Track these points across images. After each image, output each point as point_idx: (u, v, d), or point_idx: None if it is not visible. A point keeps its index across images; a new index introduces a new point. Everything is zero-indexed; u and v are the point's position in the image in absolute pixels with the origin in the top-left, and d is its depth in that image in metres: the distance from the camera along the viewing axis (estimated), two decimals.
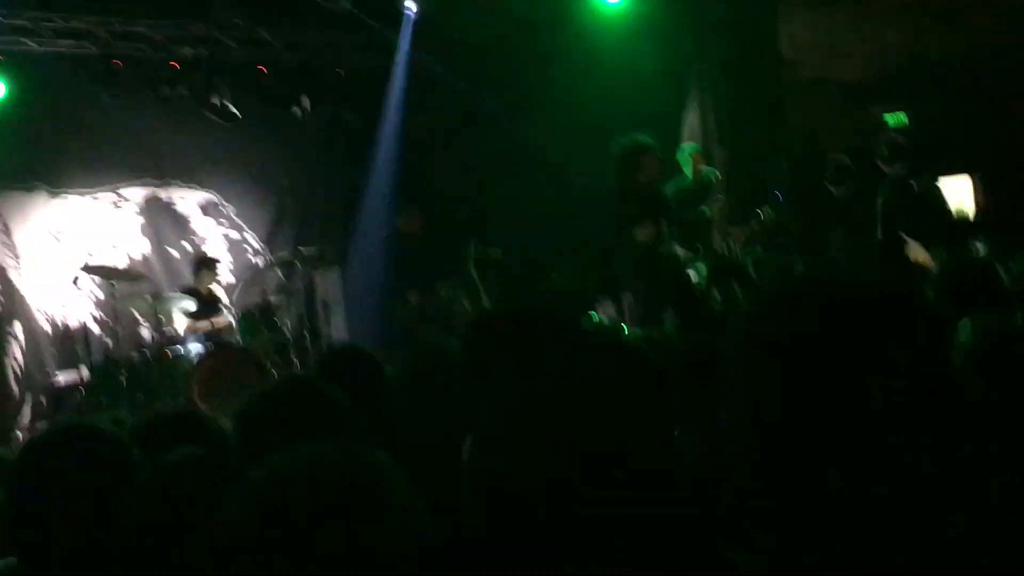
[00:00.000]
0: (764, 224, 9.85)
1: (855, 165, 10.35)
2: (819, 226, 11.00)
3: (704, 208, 9.92)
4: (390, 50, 12.89)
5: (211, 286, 11.58)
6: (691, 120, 11.89)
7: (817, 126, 11.37)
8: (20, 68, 11.53)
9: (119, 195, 12.67)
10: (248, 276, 13.51)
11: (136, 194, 12.96)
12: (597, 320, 9.72)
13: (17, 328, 11.86)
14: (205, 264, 11.62)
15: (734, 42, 11.37)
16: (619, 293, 11.48)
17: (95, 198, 12.66)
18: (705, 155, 11.24)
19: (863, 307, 1.38)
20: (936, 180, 9.46)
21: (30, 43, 11.64)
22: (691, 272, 9.31)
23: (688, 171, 10.36)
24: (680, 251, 10.02)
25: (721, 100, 11.89)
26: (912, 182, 9.12)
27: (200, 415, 3.57)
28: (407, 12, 12.00)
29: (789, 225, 10.64)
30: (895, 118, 10.20)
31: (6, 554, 2.51)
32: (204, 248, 12.99)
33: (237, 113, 12.63)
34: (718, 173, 10.48)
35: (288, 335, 11.39)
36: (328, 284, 11.94)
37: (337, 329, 11.84)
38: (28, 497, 2.41)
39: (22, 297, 12.01)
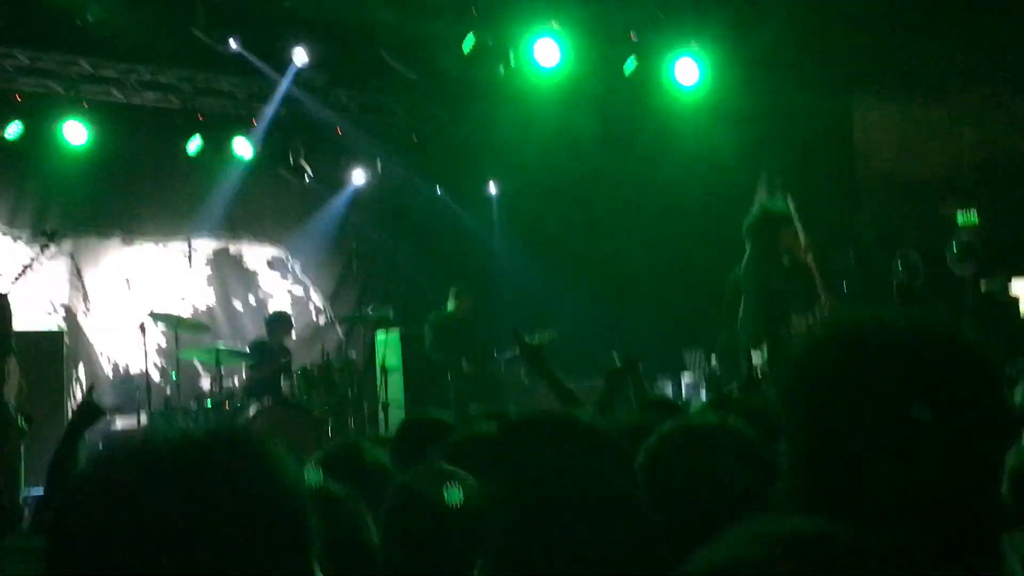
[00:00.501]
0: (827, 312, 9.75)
1: (924, 263, 10.26)
2: None
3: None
4: (467, 118, 13.06)
5: (284, 343, 11.68)
6: (760, 205, 11.86)
7: (887, 219, 11.30)
8: (105, 117, 11.79)
9: (190, 246, 12.87)
10: (309, 334, 13.62)
11: (206, 246, 13.16)
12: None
13: (81, 371, 12.03)
14: (281, 321, 11.73)
15: (808, 129, 11.39)
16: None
17: (166, 247, 12.87)
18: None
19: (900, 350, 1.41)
20: (1008, 281, 9.36)
21: (116, 93, 11.92)
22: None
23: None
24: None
25: (792, 186, 11.86)
26: (981, 282, 9.04)
27: None
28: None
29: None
30: (966, 217, 10.11)
31: None
32: (270, 304, 13.14)
33: (310, 172, 12.82)
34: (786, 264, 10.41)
35: (346, 395, 11.41)
36: (388, 347, 11.97)
37: (394, 392, 11.84)
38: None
39: (88, 341, 12.19)
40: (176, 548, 1.24)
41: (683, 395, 11.14)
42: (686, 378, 11.74)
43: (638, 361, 5.35)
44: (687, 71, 11.06)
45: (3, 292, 8.58)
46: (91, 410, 5.24)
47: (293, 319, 13.30)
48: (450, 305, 11.64)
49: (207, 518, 1.25)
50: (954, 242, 10.07)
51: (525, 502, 1.73)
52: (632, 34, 11.27)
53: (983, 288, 9.93)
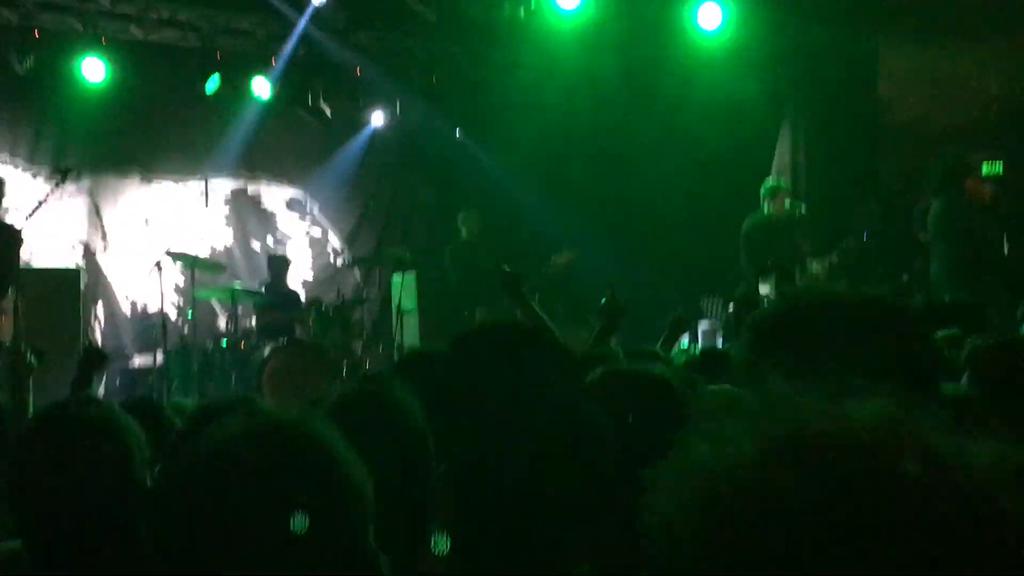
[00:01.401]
0: (844, 258, 9.70)
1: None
2: (902, 268, 10.78)
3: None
4: (486, 61, 12.92)
5: (288, 283, 11.70)
6: (782, 151, 11.75)
7: (911, 168, 11.16)
8: (124, 55, 11.72)
9: (207, 185, 12.86)
10: (327, 275, 13.64)
11: (224, 186, 13.16)
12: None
13: (99, 308, 12.09)
14: (284, 263, 11.74)
15: (832, 76, 11.23)
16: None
17: (185, 186, 12.86)
18: (794, 188, 11.12)
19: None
20: None
21: (135, 30, 11.86)
22: None
23: (766, 207, 10.19)
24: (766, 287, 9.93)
25: (814, 133, 11.74)
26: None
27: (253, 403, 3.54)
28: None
29: (871, 263, 10.46)
30: (991, 167, 9.95)
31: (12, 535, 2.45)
32: (287, 245, 13.14)
33: (329, 113, 12.76)
34: (804, 207, 10.31)
35: (361, 336, 11.43)
36: (405, 289, 11.95)
37: (410, 334, 11.84)
38: (28, 476, 2.35)
39: (106, 279, 12.24)
40: (259, 534, 1.43)
41: (699, 342, 11.07)
42: (703, 325, 11.67)
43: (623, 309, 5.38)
44: (710, 15, 10.92)
45: (16, 227, 8.59)
46: (94, 357, 5.38)
47: (311, 261, 13.36)
48: (462, 233, 11.59)
49: (279, 512, 1.42)
50: None
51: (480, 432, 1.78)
52: None
53: (1006, 242, 9.81)
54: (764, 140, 11.77)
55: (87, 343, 7.52)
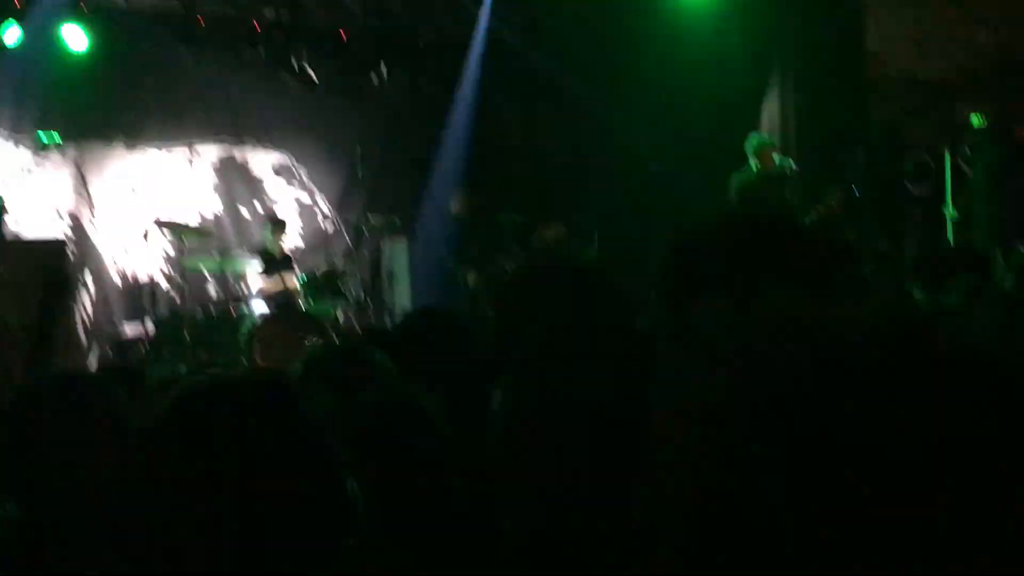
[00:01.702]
0: (832, 207, 9.67)
1: (936, 164, 10.11)
2: (891, 223, 10.77)
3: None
4: (471, 21, 12.81)
5: (281, 246, 11.65)
6: (770, 107, 11.70)
7: (900, 121, 11.11)
8: (105, 22, 11.66)
9: (194, 151, 12.80)
10: (316, 240, 13.58)
11: (211, 152, 13.08)
12: None
13: (88, 278, 12.05)
14: (275, 224, 11.67)
15: (819, 30, 11.16)
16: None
17: (170, 152, 12.78)
18: (783, 143, 11.08)
19: None
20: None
21: None
22: None
23: (753, 164, 10.13)
24: None
25: (803, 88, 11.67)
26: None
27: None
28: None
29: (859, 213, 10.44)
30: (980, 118, 9.91)
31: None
32: (275, 209, 13.08)
33: (315, 78, 12.68)
34: (792, 163, 10.25)
35: (351, 301, 11.42)
36: (395, 254, 11.93)
37: (401, 299, 11.84)
38: (19, 440, 2.43)
39: (95, 248, 12.18)
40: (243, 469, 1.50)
41: None
42: None
43: None
44: None
45: None
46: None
47: (301, 226, 13.31)
48: (452, 207, 11.54)
49: (259, 449, 1.51)
50: (966, 145, 9.92)
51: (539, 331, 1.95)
52: None
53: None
54: (752, 97, 11.71)
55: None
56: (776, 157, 10.15)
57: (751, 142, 10.18)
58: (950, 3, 10.83)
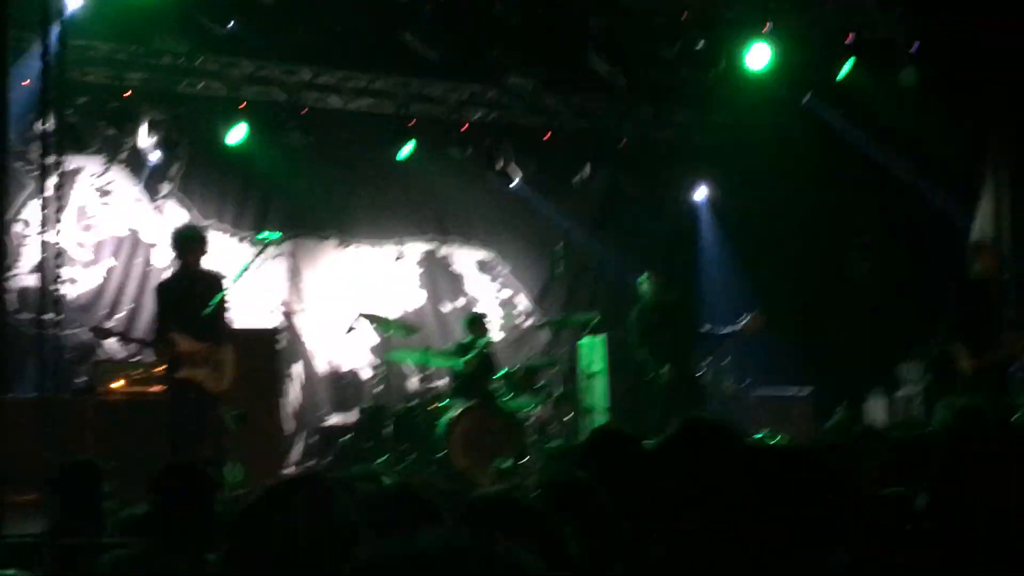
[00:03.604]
0: None
1: None
2: None
3: None
4: (671, 123, 12.93)
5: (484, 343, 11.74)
6: (983, 214, 11.27)
7: None
8: (324, 123, 12.20)
9: (402, 249, 13.22)
10: (516, 336, 13.76)
11: (417, 249, 13.45)
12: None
13: (297, 369, 12.48)
14: (477, 321, 11.80)
15: None
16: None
17: (380, 249, 13.24)
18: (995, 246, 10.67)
19: None
20: None
21: (334, 99, 12.34)
22: None
23: (976, 264, 9.70)
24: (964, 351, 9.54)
25: (1020, 193, 11.25)
26: None
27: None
28: None
29: None
30: None
31: None
32: (476, 306, 13.27)
33: (519, 176, 12.94)
34: (1010, 267, 9.86)
35: (548, 398, 11.44)
36: (594, 351, 11.97)
37: (598, 397, 11.84)
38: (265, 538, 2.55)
39: (304, 339, 12.66)
40: None
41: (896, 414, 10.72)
42: (903, 391, 11.27)
43: None
44: (908, 72, 10.70)
45: (220, 273, 8.98)
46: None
47: (501, 322, 13.49)
48: (645, 294, 11.41)
49: None
50: None
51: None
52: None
53: None
54: (965, 199, 11.37)
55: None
56: (997, 260, 9.71)
57: (972, 241, 9.89)
58: None
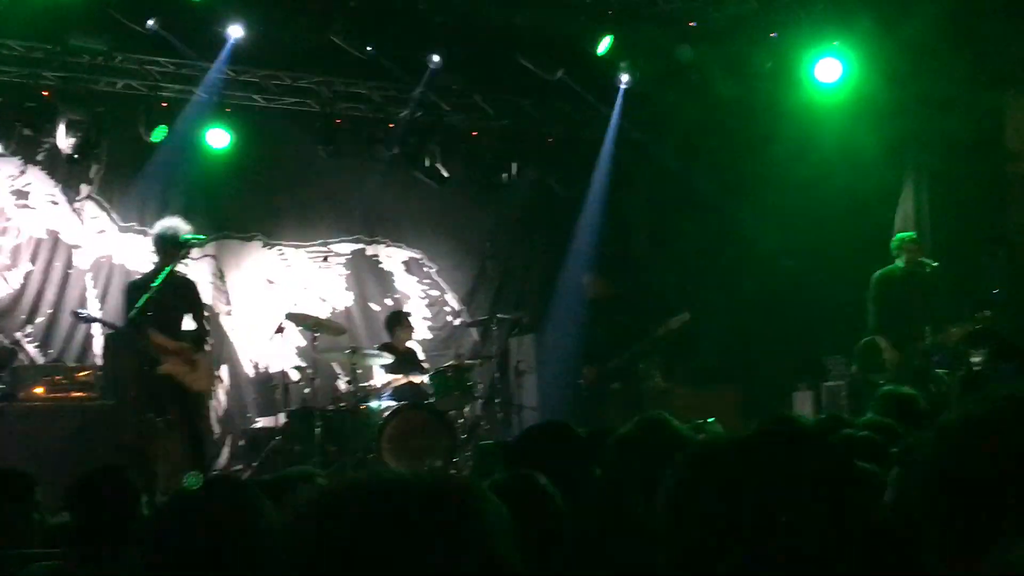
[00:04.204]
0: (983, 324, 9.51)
1: None
2: None
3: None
4: (601, 121, 12.94)
5: (407, 343, 11.76)
6: (905, 206, 11.51)
7: None
8: (246, 121, 12.12)
9: (329, 249, 13.13)
10: (444, 335, 13.73)
11: (344, 249, 13.38)
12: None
13: (224, 372, 12.36)
14: (398, 320, 11.83)
15: (957, 127, 10.97)
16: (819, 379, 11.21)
17: (306, 251, 13.14)
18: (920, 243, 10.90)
19: None
20: None
21: (258, 98, 12.22)
22: None
23: (900, 260, 10.07)
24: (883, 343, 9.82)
25: (939, 187, 11.47)
26: None
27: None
28: (621, 85, 12.03)
29: (1005, 322, 10.17)
30: None
31: None
32: (405, 305, 13.27)
33: (446, 175, 12.93)
34: (934, 264, 10.11)
35: (478, 397, 11.47)
36: (522, 350, 11.99)
37: (528, 395, 11.85)
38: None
39: (231, 342, 12.53)
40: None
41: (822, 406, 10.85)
42: (828, 386, 11.42)
43: None
44: (828, 68, 10.84)
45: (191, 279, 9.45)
46: None
47: (429, 321, 13.47)
48: (587, 291, 11.49)
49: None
50: None
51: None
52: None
53: None
54: (886, 195, 11.55)
55: None
56: (920, 253, 10.10)
57: (896, 238, 10.16)
58: None
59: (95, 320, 10.79)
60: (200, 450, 9.18)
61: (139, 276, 9.61)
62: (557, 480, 3.16)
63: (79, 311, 10.50)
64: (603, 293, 11.51)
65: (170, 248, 9.13)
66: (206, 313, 11.96)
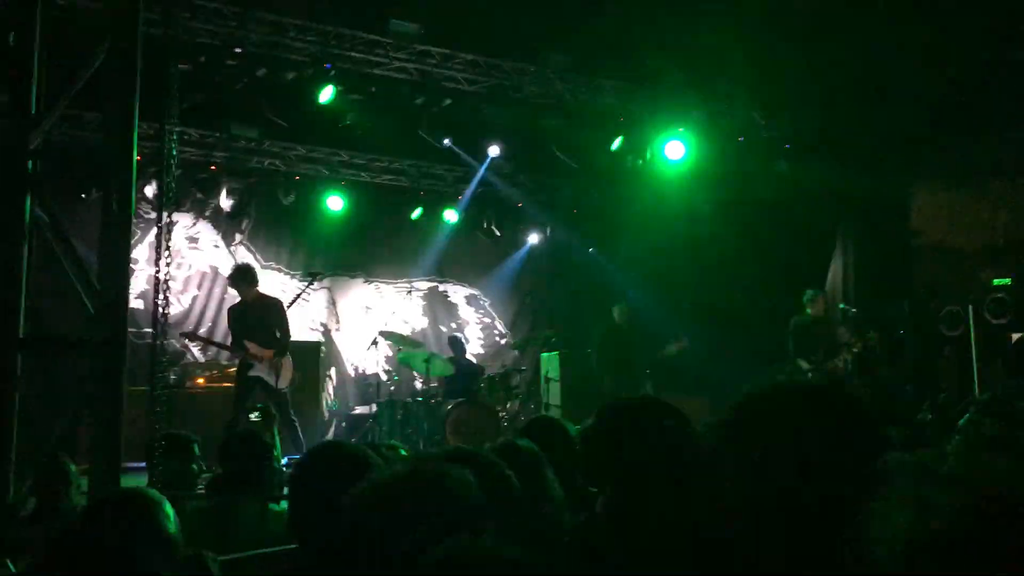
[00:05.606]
0: (869, 342, 9.54)
1: (965, 315, 9.85)
2: (929, 355, 10.45)
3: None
4: (616, 196, 13.05)
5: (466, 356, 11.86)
6: (835, 269, 11.55)
7: (937, 282, 10.85)
8: (356, 191, 12.32)
9: (412, 285, 13.32)
10: (494, 351, 13.85)
11: (423, 285, 13.56)
12: None
13: (332, 372, 12.57)
14: (458, 342, 11.87)
15: (874, 209, 11.05)
16: None
17: (395, 287, 13.34)
18: (844, 295, 10.97)
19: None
20: None
21: (364, 175, 12.41)
22: None
23: (808, 309, 9.99)
24: (804, 364, 9.82)
25: (861, 253, 11.49)
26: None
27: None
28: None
29: (903, 349, 10.19)
30: (1001, 282, 9.67)
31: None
32: (465, 329, 13.42)
33: (499, 234, 13.11)
34: (852, 309, 10.16)
35: (518, 397, 11.55)
36: (551, 364, 12.09)
37: (554, 398, 11.94)
38: (299, 496, 2.41)
39: (338, 351, 12.71)
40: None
41: None
42: None
43: None
44: (674, 149, 10.87)
45: (278, 299, 9.12)
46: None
47: (482, 340, 13.58)
48: (614, 318, 11.43)
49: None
50: (989, 300, 9.67)
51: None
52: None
53: (1013, 338, 9.48)
54: (821, 257, 11.59)
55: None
56: (823, 305, 10.06)
57: (806, 295, 10.10)
58: (976, 190, 10.63)
59: (198, 339, 10.39)
60: (295, 432, 8.67)
61: (236, 303, 9.13)
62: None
63: (189, 331, 10.19)
64: (626, 318, 11.41)
65: (242, 279, 8.89)
66: (319, 328, 12.21)
